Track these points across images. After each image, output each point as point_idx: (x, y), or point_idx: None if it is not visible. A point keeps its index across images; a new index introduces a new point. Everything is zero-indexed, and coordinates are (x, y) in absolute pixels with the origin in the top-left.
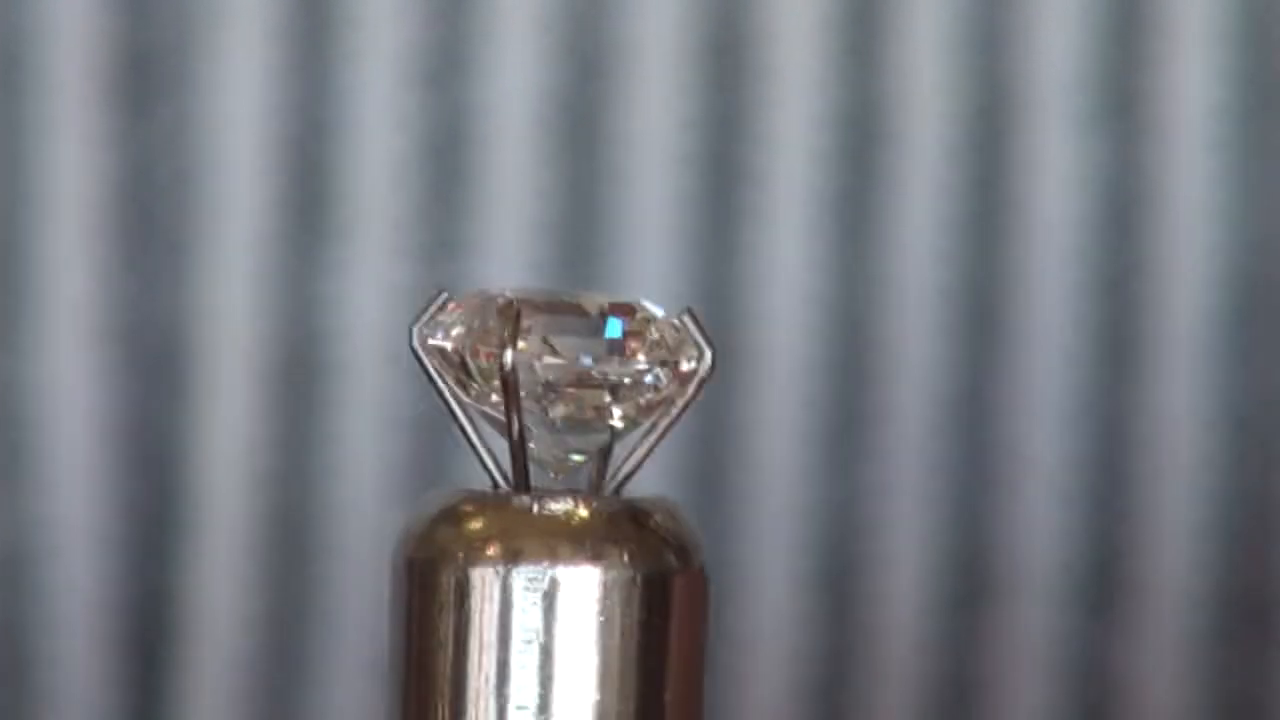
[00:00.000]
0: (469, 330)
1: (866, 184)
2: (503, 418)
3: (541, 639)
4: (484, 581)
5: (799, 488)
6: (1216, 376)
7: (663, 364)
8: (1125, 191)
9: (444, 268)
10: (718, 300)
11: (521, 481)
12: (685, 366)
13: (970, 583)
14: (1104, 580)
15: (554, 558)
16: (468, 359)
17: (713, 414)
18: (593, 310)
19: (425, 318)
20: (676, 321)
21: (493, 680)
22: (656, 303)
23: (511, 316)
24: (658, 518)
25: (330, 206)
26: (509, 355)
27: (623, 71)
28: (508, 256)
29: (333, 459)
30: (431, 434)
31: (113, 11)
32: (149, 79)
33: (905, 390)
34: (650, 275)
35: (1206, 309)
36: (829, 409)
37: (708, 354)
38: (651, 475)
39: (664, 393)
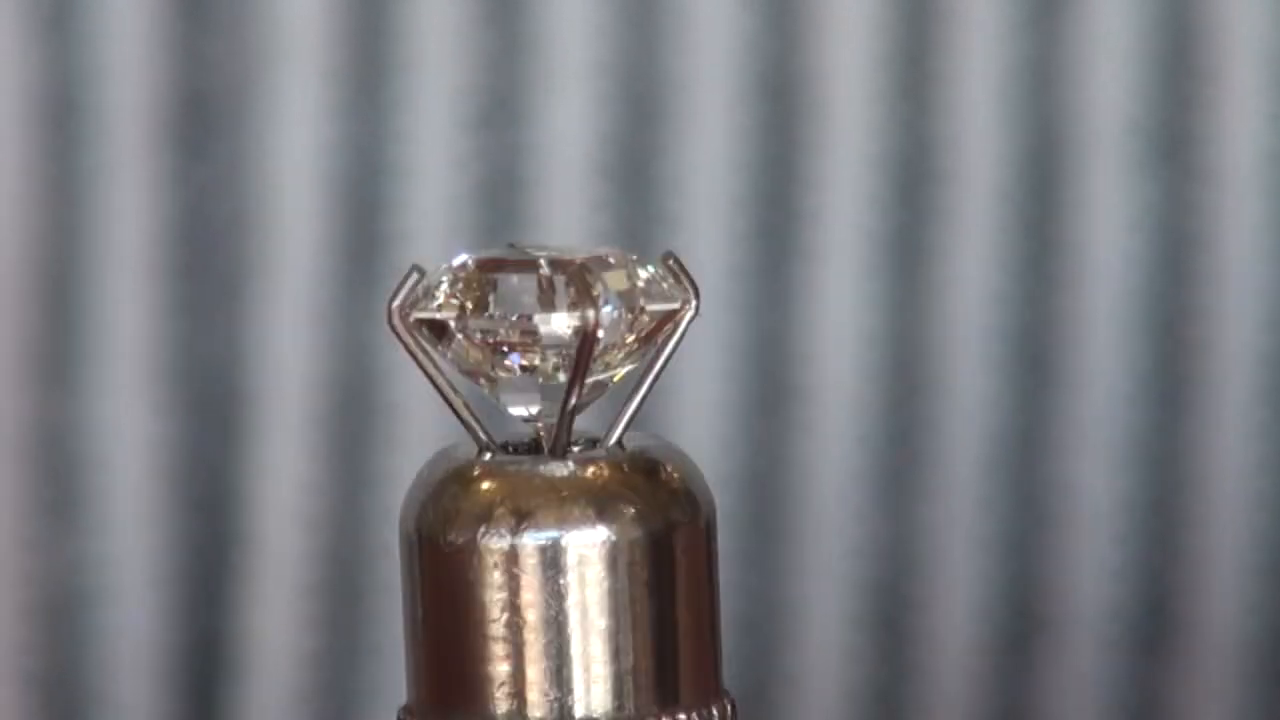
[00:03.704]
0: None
1: (919, 225)
2: (474, 378)
3: (553, 599)
4: (492, 543)
5: (852, 526)
6: (1269, 417)
7: (630, 310)
8: (1178, 234)
9: None
10: (771, 341)
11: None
12: (665, 308)
13: (1022, 622)
14: (1156, 620)
15: (562, 517)
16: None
17: (766, 452)
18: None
19: (401, 296)
20: (661, 270)
21: (507, 641)
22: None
23: (582, 278)
24: (667, 468)
25: (385, 248)
26: (591, 314)
27: (676, 114)
28: None
29: (387, 499)
30: None
31: (167, 54)
32: (204, 121)
33: (958, 429)
34: (704, 316)
35: (1259, 350)
36: (882, 448)
37: (692, 298)
38: None
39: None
